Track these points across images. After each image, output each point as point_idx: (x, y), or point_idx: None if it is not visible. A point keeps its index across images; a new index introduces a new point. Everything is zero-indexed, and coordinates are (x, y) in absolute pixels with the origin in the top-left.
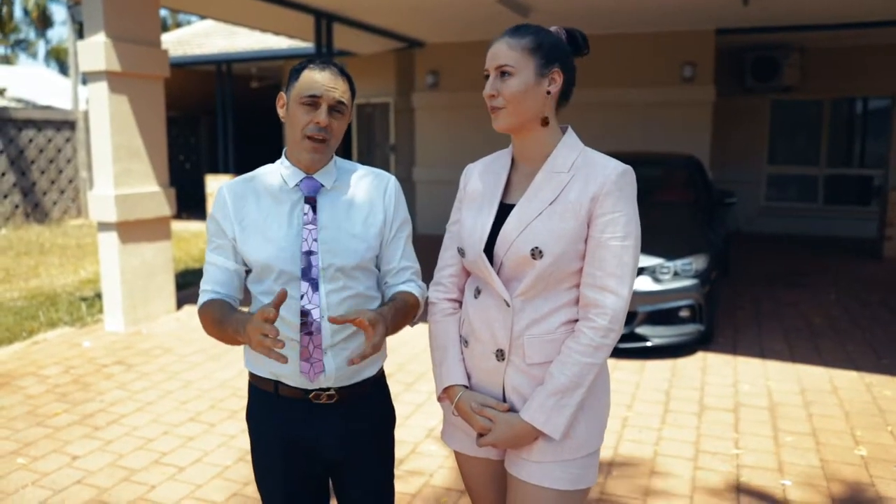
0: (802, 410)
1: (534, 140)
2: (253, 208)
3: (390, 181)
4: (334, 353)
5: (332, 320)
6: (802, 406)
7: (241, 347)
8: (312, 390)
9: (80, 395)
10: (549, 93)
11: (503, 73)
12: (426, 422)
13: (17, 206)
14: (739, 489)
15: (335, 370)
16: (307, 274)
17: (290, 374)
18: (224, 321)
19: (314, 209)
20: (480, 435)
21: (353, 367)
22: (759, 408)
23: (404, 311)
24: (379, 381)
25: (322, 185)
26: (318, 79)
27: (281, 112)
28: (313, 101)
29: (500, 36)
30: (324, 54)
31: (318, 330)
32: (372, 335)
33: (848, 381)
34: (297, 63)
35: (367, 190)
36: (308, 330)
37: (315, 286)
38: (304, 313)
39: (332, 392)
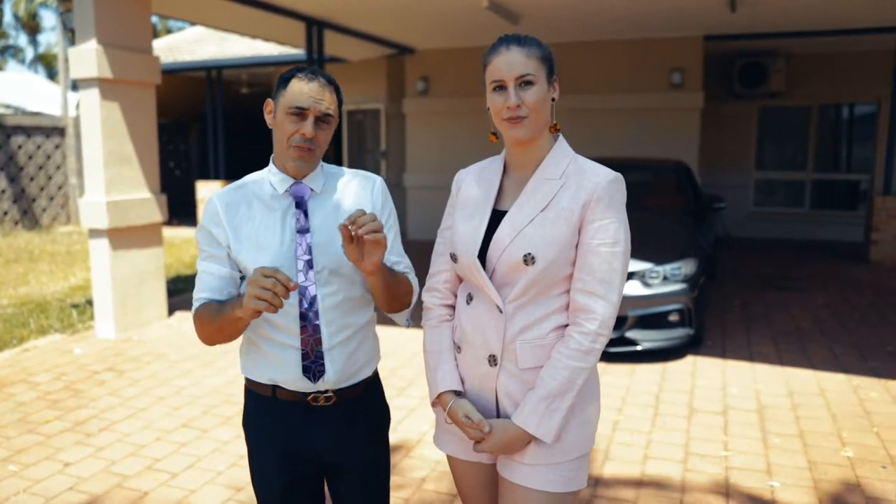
0: (790, 413)
1: (537, 148)
2: (245, 217)
3: (377, 181)
4: (333, 355)
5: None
6: (790, 408)
7: (236, 353)
8: (310, 393)
9: (72, 401)
10: (553, 100)
11: (525, 83)
12: (418, 426)
13: (6, 213)
14: (728, 490)
15: (335, 373)
16: (302, 279)
17: (289, 378)
18: (222, 308)
19: (306, 214)
20: (477, 441)
21: (351, 369)
22: (747, 410)
23: (395, 277)
24: (374, 382)
25: (311, 190)
26: (306, 90)
27: (268, 118)
28: (300, 113)
29: (501, 46)
30: (315, 61)
31: (317, 332)
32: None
33: (835, 383)
34: (286, 70)
35: (355, 192)
36: (307, 334)
37: (312, 290)
38: (303, 317)
39: (329, 394)
